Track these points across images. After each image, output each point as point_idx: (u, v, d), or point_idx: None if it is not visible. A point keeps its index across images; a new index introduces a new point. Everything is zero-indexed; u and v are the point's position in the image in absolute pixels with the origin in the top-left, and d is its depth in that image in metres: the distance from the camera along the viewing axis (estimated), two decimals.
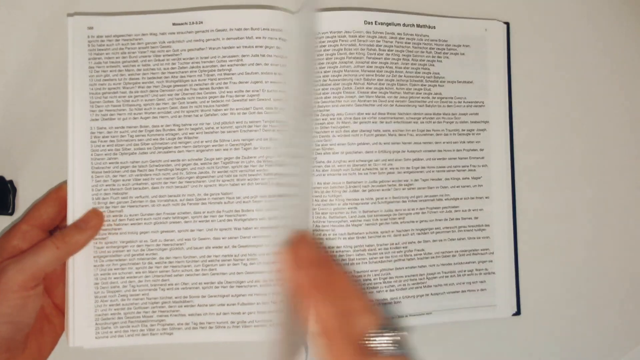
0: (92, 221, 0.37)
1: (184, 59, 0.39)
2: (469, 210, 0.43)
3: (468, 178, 0.43)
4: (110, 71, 0.38)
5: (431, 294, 0.41)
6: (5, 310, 0.32)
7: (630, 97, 0.47)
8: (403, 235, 0.41)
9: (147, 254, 0.38)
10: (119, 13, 0.40)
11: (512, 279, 0.43)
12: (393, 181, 0.41)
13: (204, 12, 0.39)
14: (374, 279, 0.40)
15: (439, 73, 0.42)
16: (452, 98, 0.43)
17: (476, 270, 0.42)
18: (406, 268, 0.41)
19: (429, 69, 0.42)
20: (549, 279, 0.45)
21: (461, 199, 0.42)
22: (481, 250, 0.43)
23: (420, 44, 0.42)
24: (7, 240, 0.35)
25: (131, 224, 0.38)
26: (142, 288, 0.38)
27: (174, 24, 0.39)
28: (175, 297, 0.38)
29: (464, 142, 0.43)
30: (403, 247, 0.41)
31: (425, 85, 0.42)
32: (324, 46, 0.40)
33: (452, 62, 0.43)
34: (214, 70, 0.39)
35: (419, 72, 0.42)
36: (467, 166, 0.43)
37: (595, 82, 0.47)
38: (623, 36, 0.47)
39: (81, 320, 0.37)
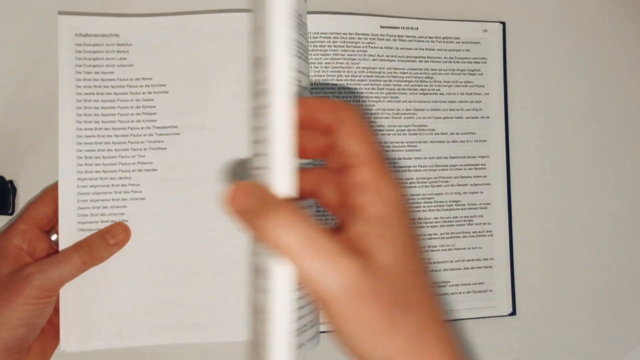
0: (119, 236, 0.37)
1: (173, 60, 0.39)
2: (471, 215, 0.43)
3: (470, 177, 0.43)
4: (95, 72, 0.38)
5: None
6: (25, 314, 0.33)
7: (626, 95, 0.46)
8: None
9: (132, 255, 0.38)
10: (109, 14, 0.40)
11: (507, 279, 0.43)
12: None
13: (190, 17, 0.39)
14: None
15: (432, 78, 0.42)
16: (453, 102, 0.43)
17: (476, 267, 0.42)
18: None
19: (427, 72, 0.42)
20: (546, 278, 0.44)
21: (462, 206, 0.42)
22: (483, 254, 0.43)
23: (417, 47, 0.42)
24: (7, 240, 0.36)
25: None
26: (128, 290, 0.38)
27: (163, 28, 0.39)
28: (162, 298, 0.38)
29: (466, 156, 0.43)
30: None
31: (425, 90, 0.42)
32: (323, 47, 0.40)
33: (448, 65, 0.43)
34: (199, 73, 0.39)
35: (416, 73, 0.42)
36: (470, 176, 0.43)
37: (593, 81, 0.46)
38: (617, 35, 0.46)
39: (68, 324, 0.37)
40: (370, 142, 0.23)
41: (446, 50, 0.43)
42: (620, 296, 0.46)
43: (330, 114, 0.24)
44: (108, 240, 0.37)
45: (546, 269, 0.44)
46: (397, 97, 0.41)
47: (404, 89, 0.41)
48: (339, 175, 0.24)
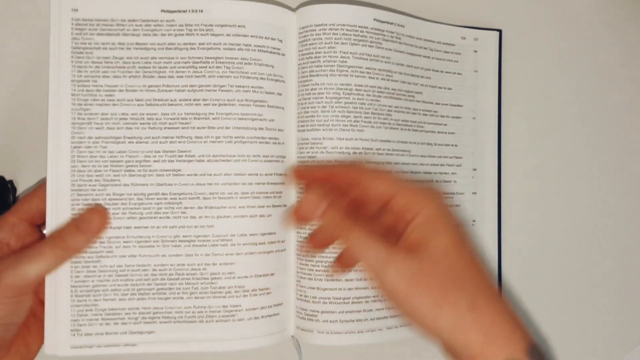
0: (94, 223, 0.34)
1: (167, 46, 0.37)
2: None
3: (454, 185, 0.42)
4: (90, 57, 0.37)
5: None
6: None
7: (622, 104, 0.45)
8: None
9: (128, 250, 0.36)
10: None
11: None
12: None
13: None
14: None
15: (426, 84, 0.41)
16: (445, 115, 0.42)
17: None
18: None
19: (416, 73, 0.41)
20: (546, 279, 0.44)
21: None
22: None
23: (407, 47, 0.41)
24: None
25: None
26: (121, 296, 0.36)
27: (162, 11, 0.37)
28: (154, 308, 0.36)
29: (448, 155, 0.42)
30: None
31: (413, 95, 0.41)
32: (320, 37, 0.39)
33: (441, 69, 0.42)
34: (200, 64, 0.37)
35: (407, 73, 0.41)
36: (451, 182, 0.42)
37: (587, 89, 0.45)
38: (614, 44, 0.45)
39: (54, 327, 0.35)
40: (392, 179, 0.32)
41: (438, 51, 0.42)
42: (620, 296, 0.45)
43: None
44: (81, 227, 0.34)
45: (546, 271, 0.44)
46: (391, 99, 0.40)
47: (397, 90, 0.40)
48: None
